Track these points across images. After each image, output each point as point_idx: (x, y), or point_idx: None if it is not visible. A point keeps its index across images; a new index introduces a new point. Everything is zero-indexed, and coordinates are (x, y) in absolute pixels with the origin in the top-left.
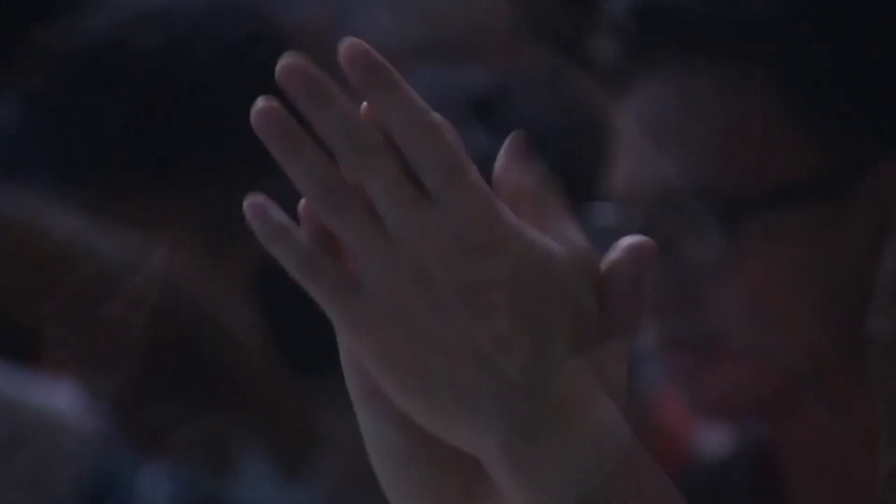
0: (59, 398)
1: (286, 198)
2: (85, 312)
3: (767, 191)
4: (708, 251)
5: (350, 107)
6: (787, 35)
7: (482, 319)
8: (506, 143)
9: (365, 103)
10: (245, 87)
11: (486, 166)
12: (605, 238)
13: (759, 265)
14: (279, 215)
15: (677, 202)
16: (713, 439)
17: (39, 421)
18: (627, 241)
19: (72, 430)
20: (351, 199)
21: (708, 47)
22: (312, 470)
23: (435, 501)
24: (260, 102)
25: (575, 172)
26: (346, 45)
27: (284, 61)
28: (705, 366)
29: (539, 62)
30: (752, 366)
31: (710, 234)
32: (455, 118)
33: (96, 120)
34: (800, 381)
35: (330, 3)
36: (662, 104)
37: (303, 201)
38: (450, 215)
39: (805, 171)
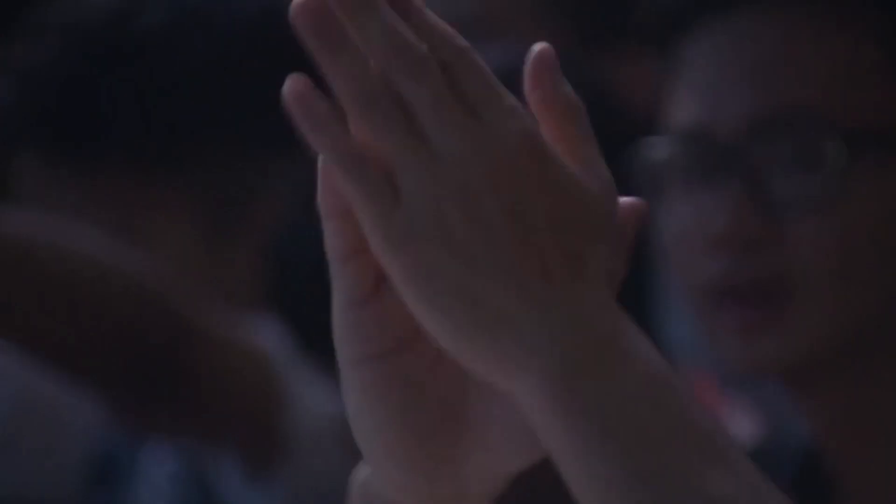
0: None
1: (300, 181)
2: (72, 306)
3: (856, 133)
4: (804, 183)
5: (394, 15)
6: None
7: (527, 245)
8: (532, 55)
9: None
10: (256, 66)
11: None
12: (660, 172)
13: (858, 205)
14: (325, 105)
15: (776, 130)
16: (744, 425)
17: (48, 394)
18: (622, 200)
19: (77, 406)
20: (395, 106)
21: None
22: (282, 474)
23: (417, 468)
24: None
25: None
26: None
27: None
28: (770, 316)
29: (563, 39)
30: (819, 321)
31: (810, 165)
32: None
33: (98, 97)
34: (863, 343)
35: None
36: (752, 34)
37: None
38: (497, 135)
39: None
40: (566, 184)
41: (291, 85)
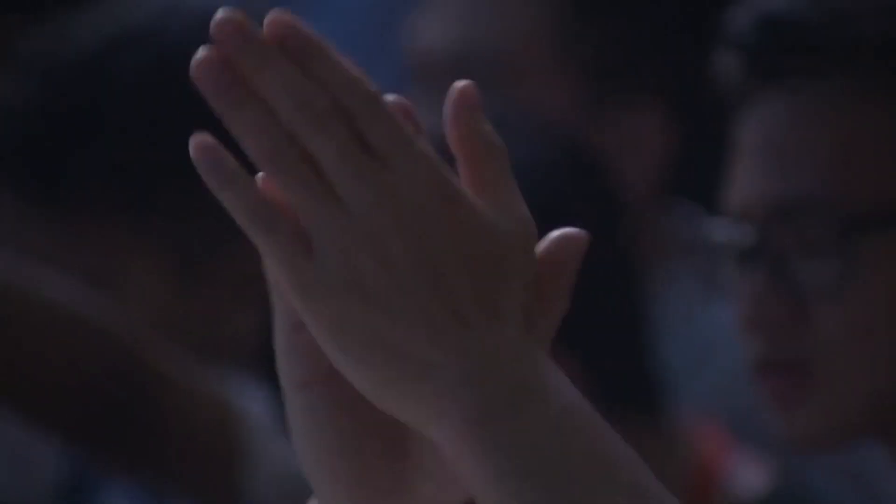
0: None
1: None
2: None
3: (885, 210)
4: (820, 269)
5: (295, 67)
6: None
7: (439, 291)
8: (452, 93)
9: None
10: None
11: None
12: (721, 254)
13: (871, 286)
14: (232, 160)
15: (792, 218)
16: (751, 475)
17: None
18: (559, 231)
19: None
20: (302, 159)
21: (829, 61)
22: None
23: (364, 493)
24: (201, 52)
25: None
26: (272, 18)
27: (220, 16)
28: (801, 390)
29: (578, 91)
30: (851, 394)
31: (824, 251)
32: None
33: (73, 140)
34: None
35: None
36: (781, 118)
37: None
38: (404, 182)
39: None
40: (477, 226)
41: (197, 142)
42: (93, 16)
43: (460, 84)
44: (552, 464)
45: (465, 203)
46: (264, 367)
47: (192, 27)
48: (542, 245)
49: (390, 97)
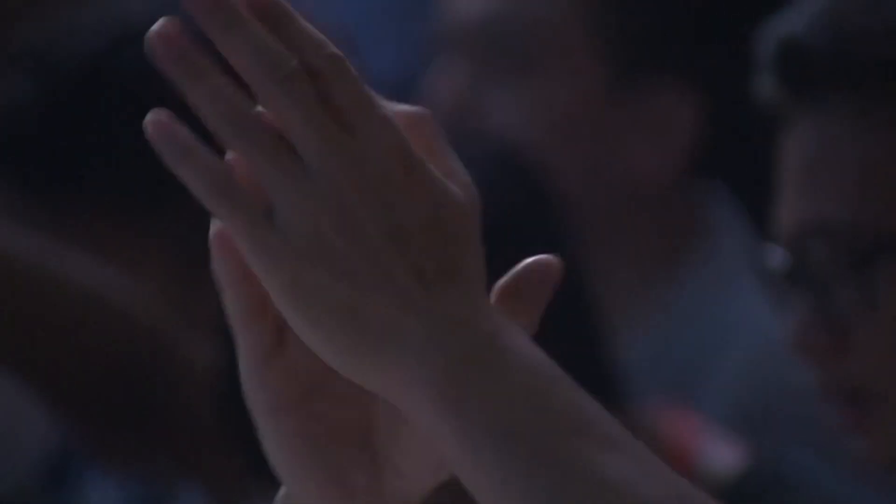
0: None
1: None
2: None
3: None
4: (857, 293)
5: (264, 31)
6: None
7: (405, 256)
8: None
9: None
10: None
11: None
12: (773, 280)
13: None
14: (188, 133)
15: (826, 241)
16: (724, 454)
17: (8, 403)
18: (533, 259)
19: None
20: (264, 125)
21: (850, 83)
22: None
23: (337, 493)
24: (158, 24)
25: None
26: None
27: None
28: (865, 417)
29: (607, 70)
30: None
31: (858, 274)
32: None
33: (76, 135)
34: None
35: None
36: (813, 140)
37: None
38: (369, 148)
39: None
40: (437, 193)
41: (152, 118)
42: (99, 10)
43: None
44: (525, 418)
45: (424, 169)
46: None
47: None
48: (516, 270)
49: (411, 108)
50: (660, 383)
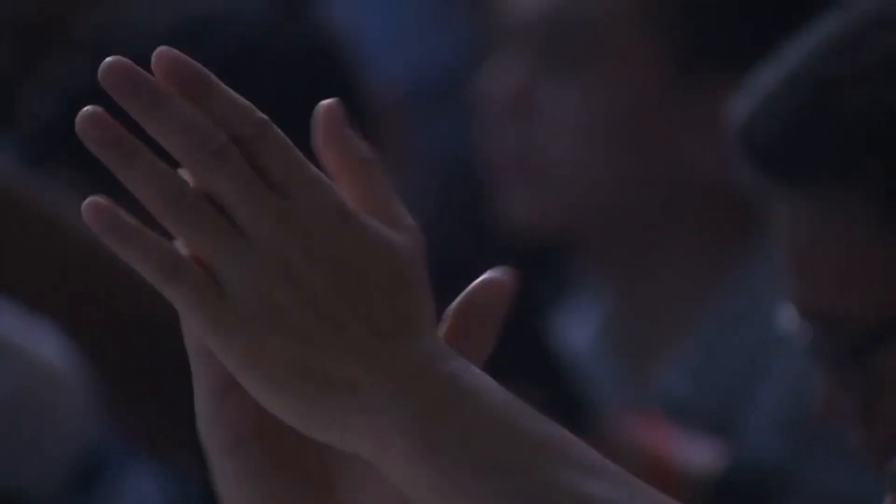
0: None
1: None
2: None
3: (888, 316)
4: (851, 380)
5: (188, 106)
6: (873, 158)
7: (356, 311)
8: (318, 112)
9: None
10: (298, 98)
11: None
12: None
13: None
14: (127, 217)
15: (830, 328)
16: (703, 455)
17: (47, 376)
18: (486, 275)
19: (74, 390)
20: (199, 202)
21: (808, 176)
22: None
23: None
24: (86, 109)
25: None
26: (158, 55)
27: (108, 62)
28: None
29: (662, 66)
30: None
31: (850, 364)
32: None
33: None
34: None
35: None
36: (796, 224)
37: None
38: (305, 209)
39: None
40: (377, 242)
41: (90, 204)
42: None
43: (325, 104)
44: (504, 454)
45: (362, 221)
46: None
47: (252, 20)
48: (468, 290)
49: (355, 154)
50: (711, 384)
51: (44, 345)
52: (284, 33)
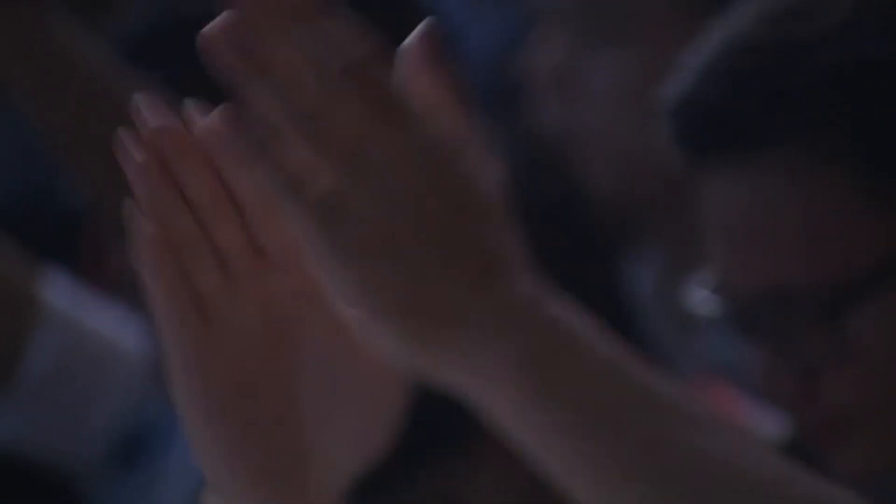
0: (121, 328)
1: None
2: None
3: (861, 280)
4: (815, 344)
5: (308, 30)
6: (844, 116)
7: (467, 245)
8: (415, 35)
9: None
10: None
11: None
12: (715, 328)
13: (867, 354)
14: (258, 129)
15: (773, 302)
16: (767, 423)
17: (95, 349)
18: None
19: (124, 365)
20: (329, 121)
21: (761, 142)
22: None
23: (262, 489)
24: (215, 22)
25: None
26: None
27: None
28: (834, 441)
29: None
30: (879, 452)
31: (813, 329)
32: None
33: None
34: None
35: None
36: (735, 198)
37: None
38: (423, 141)
39: (891, 248)
40: (485, 183)
41: (222, 113)
42: None
43: (419, 32)
44: (607, 402)
45: (469, 160)
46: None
47: None
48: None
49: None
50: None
51: (104, 319)
52: None
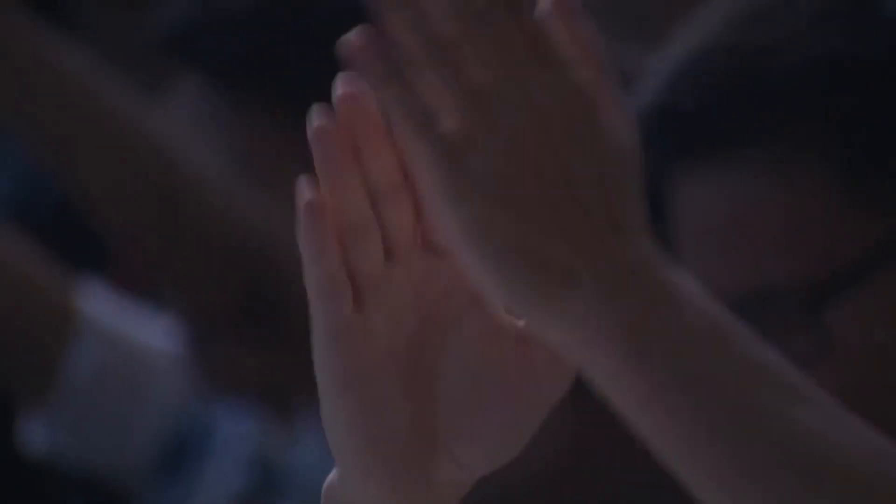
0: (154, 333)
1: None
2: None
3: (840, 277)
4: (796, 343)
5: None
6: (817, 114)
7: (583, 201)
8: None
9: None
10: None
11: None
12: None
13: (848, 353)
14: (396, 57)
15: (753, 304)
16: None
17: (133, 358)
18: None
19: (163, 371)
20: (460, 56)
21: (738, 143)
22: None
23: (393, 483)
24: (352, 34)
25: None
26: None
27: None
28: None
29: None
30: None
31: (794, 328)
32: None
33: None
34: None
35: None
36: (715, 206)
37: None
38: (551, 90)
39: (871, 243)
40: (611, 137)
41: (354, 41)
42: None
43: None
44: (706, 369)
45: (602, 113)
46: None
47: None
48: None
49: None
50: None
51: (143, 326)
52: None
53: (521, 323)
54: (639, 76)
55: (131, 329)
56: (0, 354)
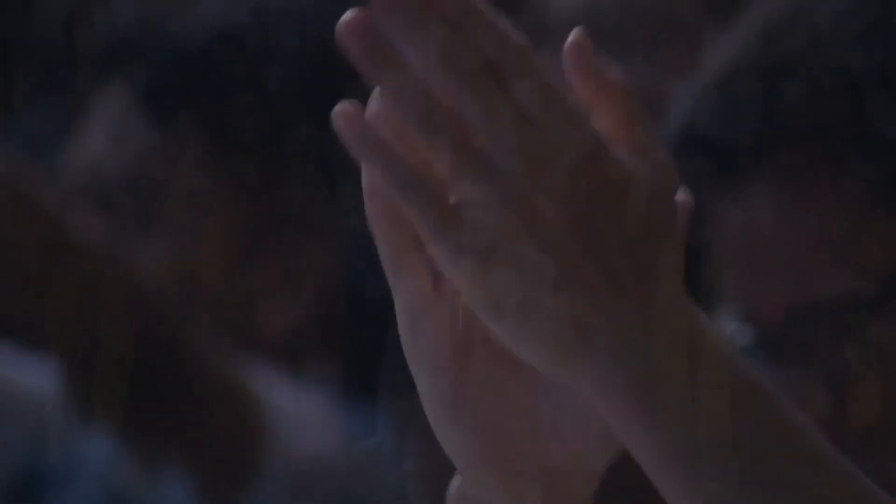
0: (39, 376)
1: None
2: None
3: (880, 286)
4: (843, 358)
5: (446, 28)
6: (847, 123)
7: (592, 253)
8: (569, 41)
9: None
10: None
11: None
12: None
13: (894, 362)
14: (377, 128)
15: (815, 319)
16: None
17: (22, 400)
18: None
19: (51, 412)
20: (450, 120)
21: (773, 161)
22: None
23: (506, 470)
24: (349, 14)
25: None
26: None
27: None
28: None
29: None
30: None
31: (840, 342)
32: None
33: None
34: None
35: None
36: (757, 227)
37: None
38: (554, 143)
39: None
40: (622, 182)
41: (342, 110)
42: None
43: (576, 33)
44: (723, 426)
45: (616, 163)
46: (293, 364)
47: None
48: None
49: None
50: None
51: (13, 363)
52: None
53: None
54: (667, 98)
55: (20, 371)
56: None
